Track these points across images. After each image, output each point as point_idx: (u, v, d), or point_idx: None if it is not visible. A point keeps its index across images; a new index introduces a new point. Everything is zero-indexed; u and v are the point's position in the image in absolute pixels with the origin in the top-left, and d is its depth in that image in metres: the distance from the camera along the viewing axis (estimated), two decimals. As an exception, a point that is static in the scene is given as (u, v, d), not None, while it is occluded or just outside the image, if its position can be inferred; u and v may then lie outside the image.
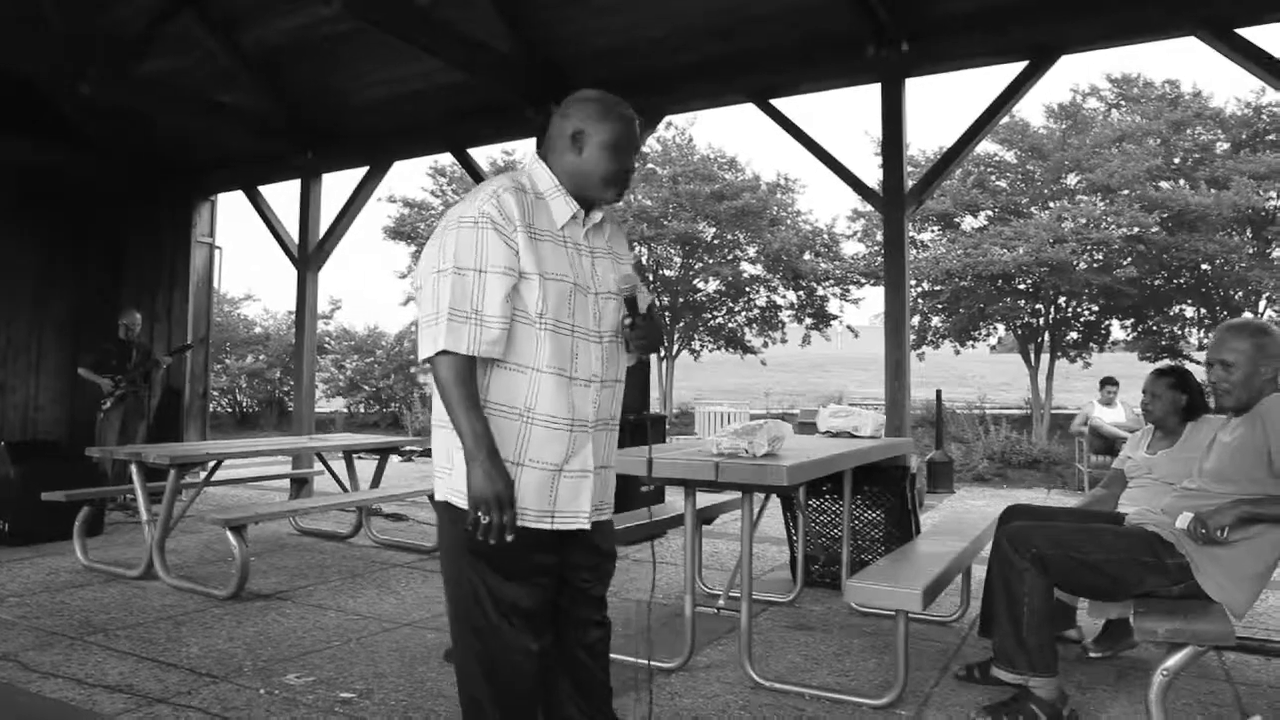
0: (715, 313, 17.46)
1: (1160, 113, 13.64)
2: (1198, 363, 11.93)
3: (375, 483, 5.97)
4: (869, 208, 14.47)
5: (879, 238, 14.29)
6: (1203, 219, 12.57)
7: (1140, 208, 12.56)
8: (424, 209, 17.92)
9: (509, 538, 1.63)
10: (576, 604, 1.85)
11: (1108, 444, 8.44)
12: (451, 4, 5.90)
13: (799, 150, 5.83)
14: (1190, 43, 4.59)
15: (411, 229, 17.79)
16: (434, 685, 2.89)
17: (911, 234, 14.04)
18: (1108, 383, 8.84)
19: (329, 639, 3.43)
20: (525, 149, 17.67)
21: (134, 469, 4.55)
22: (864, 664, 3.18)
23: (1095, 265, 12.97)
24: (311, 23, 6.54)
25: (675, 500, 3.90)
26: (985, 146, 14.00)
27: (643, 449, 2.96)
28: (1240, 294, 13.23)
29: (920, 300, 14.34)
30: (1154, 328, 13.77)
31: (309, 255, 7.79)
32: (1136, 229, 12.44)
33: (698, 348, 17.82)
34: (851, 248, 16.46)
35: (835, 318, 17.20)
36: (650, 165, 16.73)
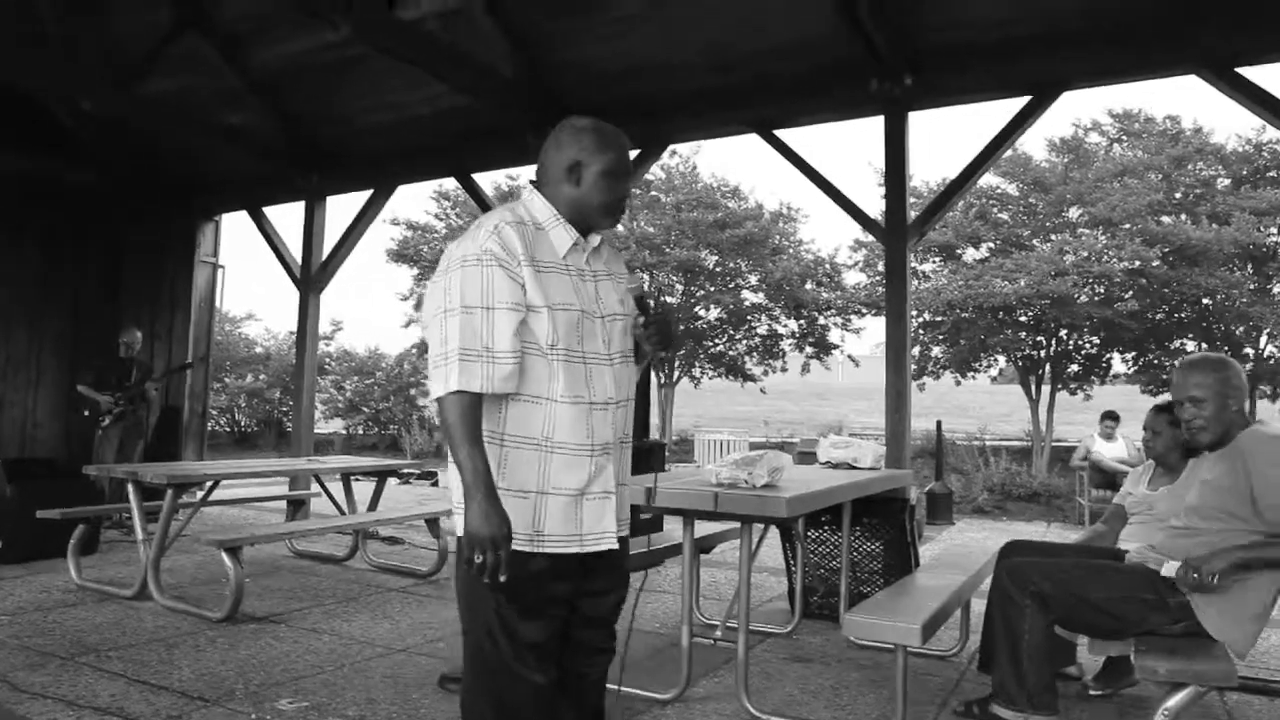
0: (716, 340, 17.48)
1: (1162, 148, 13.75)
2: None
3: (373, 506, 5.96)
4: (871, 238, 14.53)
5: (881, 268, 14.34)
6: (1204, 254, 12.62)
7: (1142, 242, 12.62)
8: (427, 232, 18.01)
9: (502, 578, 1.62)
10: (588, 630, 1.84)
11: (1108, 479, 8.41)
12: (457, 29, 5.98)
13: (802, 180, 5.87)
14: (1191, 80, 4.65)
15: (415, 252, 17.86)
16: (429, 713, 2.86)
17: (913, 265, 14.09)
18: (1108, 417, 8.83)
19: (322, 664, 3.41)
20: (529, 174, 17.84)
21: (131, 488, 4.54)
22: (862, 698, 3.16)
23: (1097, 298, 13.02)
24: (317, 47, 6.62)
25: (673, 529, 3.89)
26: (988, 179, 14.10)
27: (642, 476, 2.96)
28: (1241, 329, 13.25)
29: (921, 331, 14.37)
30: (1155, 361, 13.78)
31: (311, 276, 7.83)
32: (1138, 263, 12.49)
33: (698, 375, 17.83)
34: (853, 278, 16.53)
35: (836, 347, 17.21)
36: (654, 193, 16.85)
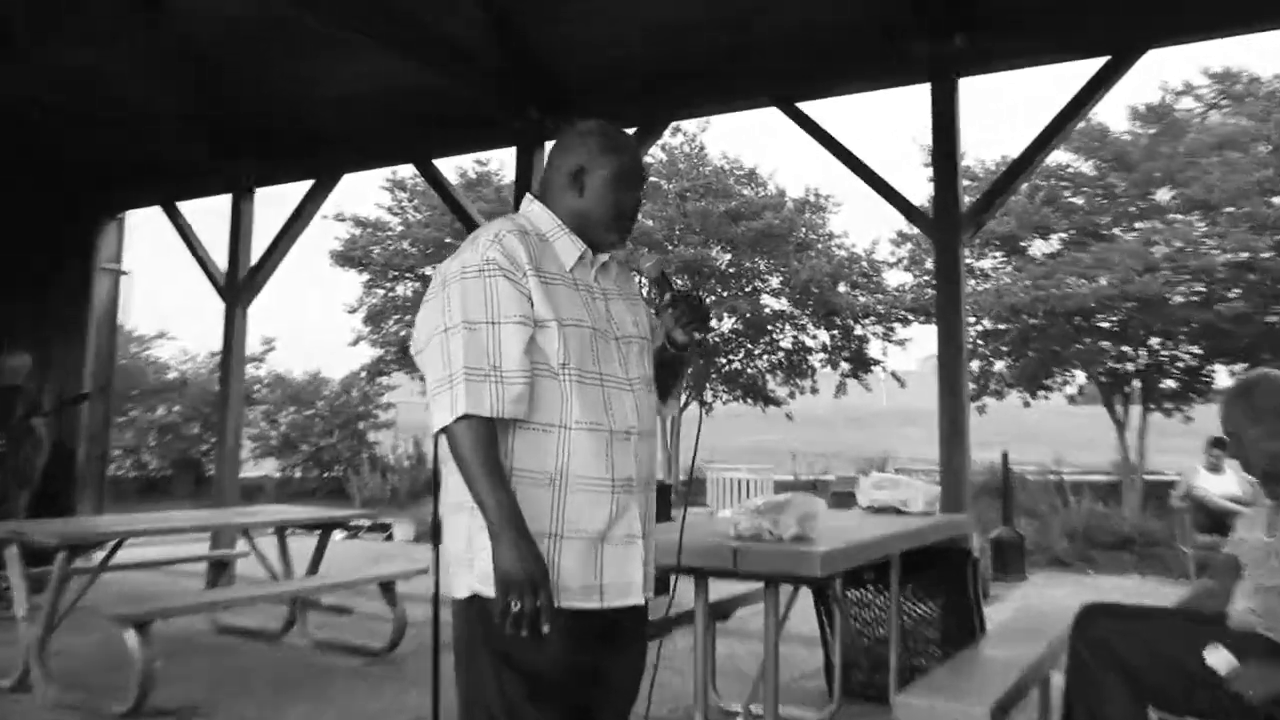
0: (731, 356, 17.51)
1: (1270, 113, 13.79)
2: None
3: (314, 567, 5.91)
4: (917, 230, 14.60)
5: (929, 266, 14.39)
6: (1326, 242, 12.67)
7: (1249, 228, 12.64)
8: (379, 229, 18.10)
9: (545, 628, 1.67)
10: (605, 708, 1.89)
11: (1216, 520, 8.38)
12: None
13: (832, 163, 5.91)
14: (1305, 33, 4.68)
15: (364, 253, 17.94)
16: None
17: (969, 261, 14.18)
18: (1216, 444, 8.81)
19: (252, 766, 3.38)
20: (502, 160, 17.88)
21: (11, 551, 4.51)
22: (918, 799, 3.12)
23: (1195, 298, 13.03)
24: (248, 13, 6.65)
25: (684, 592, 3.87)
26: (1057, 156, 14.17)
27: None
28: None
29: (980, 341, 14.39)
30: (1269, 375, 13.77)
31: (239, 285, 7.84)
32: (1245, 254, 12.52)
33: (710, 399, 17.82)
34: (896, 277, 16.61)
35: (877, 362, 17.26)
36: (654, 179, 16.93)
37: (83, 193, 8.92)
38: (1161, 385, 14.18)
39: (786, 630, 5.56)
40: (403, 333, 17.73)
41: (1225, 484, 8.69)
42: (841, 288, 16.70)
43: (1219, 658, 2.42)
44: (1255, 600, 2.68)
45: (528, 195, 2.02)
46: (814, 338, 17.37)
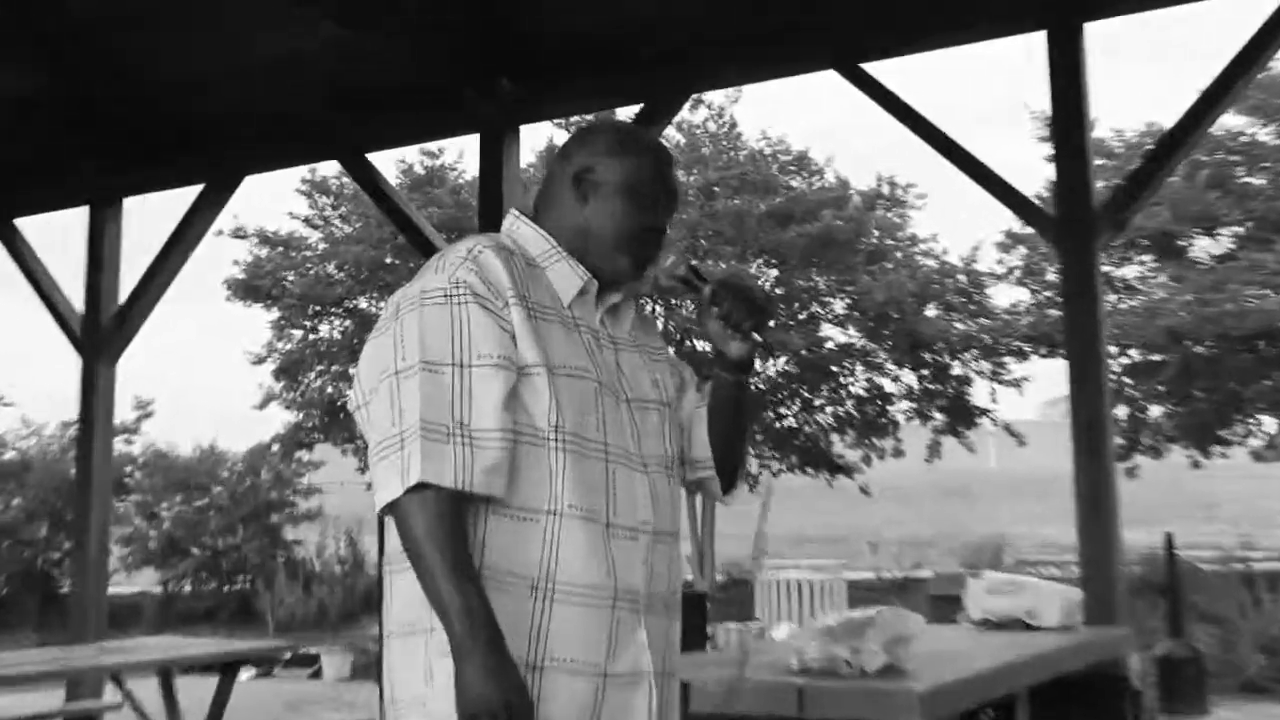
0: (782, 409, 17.52)
1: None
2: None
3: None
4: (1031, 230, 14.63)
5: (1051, 277, 14.42)
6: None
7: None
8: (294, 248, 18.15)
9: None
10: None
11: None
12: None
13: (911, 142, 5.91)
14: None
15: (273, 282, 17.92)
16: None
17: (1106, 269, 14.14)
18: None
19: None
20: (461, 149, 18.02)
21: None
22: None
23: None
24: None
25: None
26: (1227, 121, 14.18)
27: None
28: None
29: (1127, 379, 14.35)
30: None
31: (102, 330, 7.90)
32: None
33: (755, 469, 17.78)
34: (1005, 294, 16.57)
35: (983, 412, 17.19)
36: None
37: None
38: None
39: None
40: (329, 389, 17.74)
41: None
42: (931, 311, 16.71)
43: None
44: None
45: (512, 213, 2.05)
46: (895, 380, 17.35)
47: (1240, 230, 14.29)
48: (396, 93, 6.93)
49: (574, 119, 12.87)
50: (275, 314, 18.27)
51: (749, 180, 16.72)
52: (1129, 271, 14.86)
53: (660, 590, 1.91)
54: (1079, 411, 5.31)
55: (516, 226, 2.02)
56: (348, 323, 17.92)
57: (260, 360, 18.55)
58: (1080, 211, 5.41)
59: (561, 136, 16.90)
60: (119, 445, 17.39)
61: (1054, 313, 14.48)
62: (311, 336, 18.37)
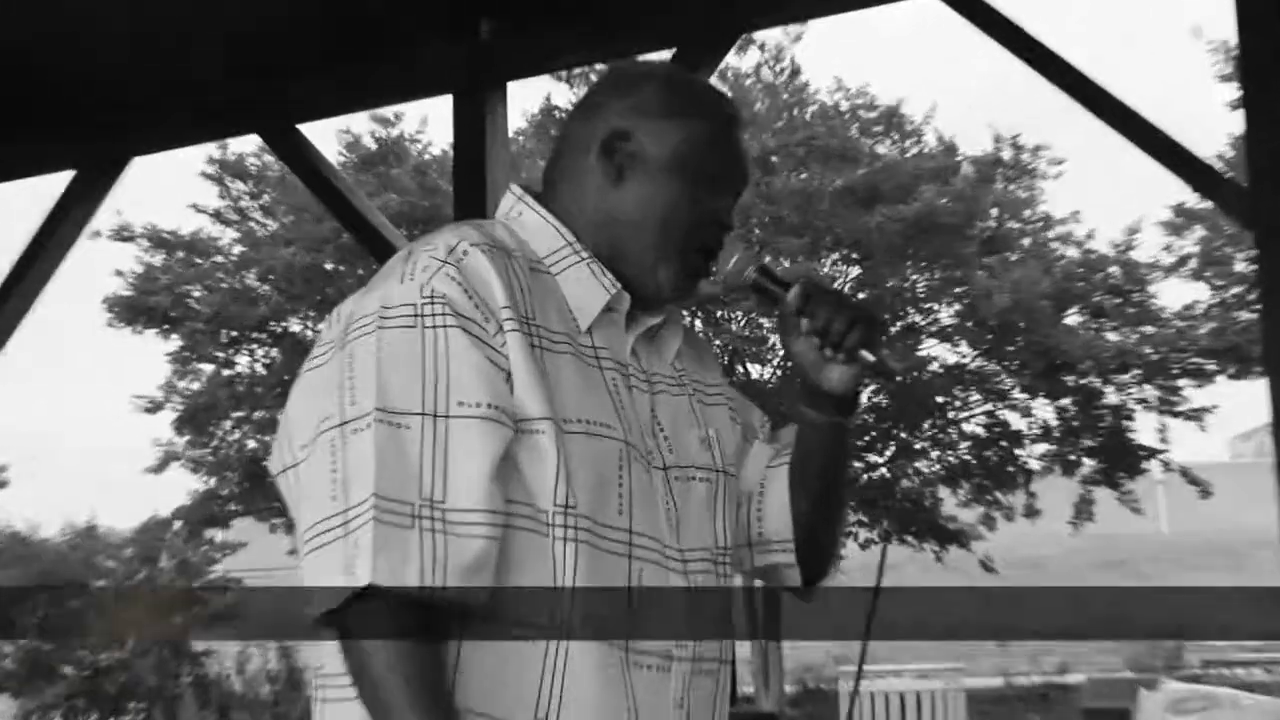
0: (870, 455, 17.53)
1: None
2: None
3: None
4: (1209, 203, 14.63)
5: (1239, 268, 14.41)
6: None
7: None
8: (198, 251, 18.17)
9: None
10: None
11: None
12: None
13: (1035, 87, 5.85)
14: None
15: (171, 298, 17.93)
16: None
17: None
18: None
19: None
20: (424, 113, 18.13)
21: None
22: None
23: None
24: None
25: None
26: None
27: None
28: None
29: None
30: None
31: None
32: None
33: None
34: (1175, 292, 16.52)
35: (1151, 454, 17.16)
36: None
37: None
38: None
39: None
40: (250, 443, 17.79)
41: None
42: (1073, 318, 16.69)
43: None
44: None
45: (513, 191, 1.97)
46: (1026, 414, 17.33)
47: None
48: (336, 40, 6.97)
49: (579, 71, 12.96)
50: (175, 343, 18.23)
51: (818, 147, 16.71)
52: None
53: None
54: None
55: (519, 211, 1.94)
56: (274, 352, 17.92)
57: (155, 407, 18.52)
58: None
59: (564, 96, 16.95)
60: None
61: (1246, 316, 14.47)
62: (226, 373, 18.31)
